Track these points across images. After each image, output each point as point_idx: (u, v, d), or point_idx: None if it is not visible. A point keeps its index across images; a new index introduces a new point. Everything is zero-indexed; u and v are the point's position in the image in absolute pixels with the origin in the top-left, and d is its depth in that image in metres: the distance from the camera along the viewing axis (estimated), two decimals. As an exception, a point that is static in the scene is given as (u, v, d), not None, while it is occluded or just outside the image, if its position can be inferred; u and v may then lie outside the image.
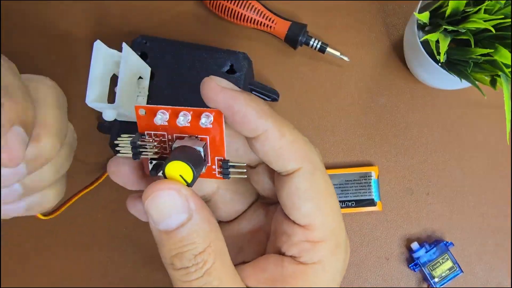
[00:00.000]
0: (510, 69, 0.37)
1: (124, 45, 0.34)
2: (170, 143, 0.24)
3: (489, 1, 0.37)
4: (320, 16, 0.48)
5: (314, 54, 0.48)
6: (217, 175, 0.24)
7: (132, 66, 0.37)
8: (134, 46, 0.41)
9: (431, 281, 0.43)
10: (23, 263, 0.46)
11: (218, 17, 0.48)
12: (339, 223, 0.23)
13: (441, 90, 0.47)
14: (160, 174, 0.22)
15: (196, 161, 0.22)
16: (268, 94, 0.44)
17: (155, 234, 0.21)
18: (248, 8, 0.45)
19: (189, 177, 0.21)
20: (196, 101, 0.41)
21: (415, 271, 0.45)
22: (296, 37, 0.45)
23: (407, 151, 0.47)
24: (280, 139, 0.21)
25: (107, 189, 0.46)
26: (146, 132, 0.23)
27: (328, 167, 0.47)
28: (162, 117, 0.23)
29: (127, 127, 0.40)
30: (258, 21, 0.46)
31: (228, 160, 0.24)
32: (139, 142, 0.23)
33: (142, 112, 0.23)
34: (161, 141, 0.24)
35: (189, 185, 0.22)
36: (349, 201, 0.45)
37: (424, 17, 0.38)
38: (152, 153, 0.23)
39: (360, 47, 0.48)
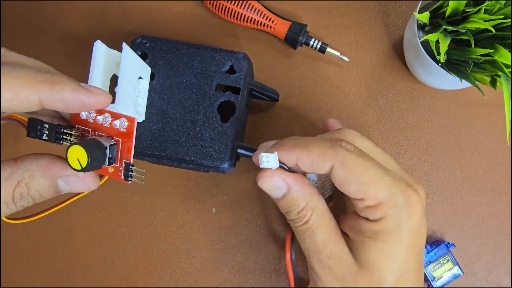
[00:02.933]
0: (510, 69, 0.37)
1: (124, 45, 0.34)
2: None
3: (489, 1, 0.37)
4: (320, 16, 0.48)
5: (314, 54, 0.48)
6: (121, 177, 0.28)
7: (132, 66, 0.37)
8: (134, 46, 0.41)
9: (432, 282, 0.43)
10: (23, 263, 0.46)
11: (218, 17, 0.48)
12: (389, 186, 0.29)
13: (441, 90, 0.47)
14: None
15: (96, 152, 0.25)
16: (268, 94, 0.44)
17: (274, 200, 0.34)
18: (248, 8, 0.45)
19: (84, 162, 0.25)
20: (196, 101, 0.41)
21: None
22: (296, 37, 0.45)
23: (407, 151, 0.47)
24: (308, 156, 0.31)
25: (106, 190, 0.46)
26: (76, 125, 0.28)
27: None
28: (88, 114, 0.27)
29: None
30: (258, 21, 0.46)
31: (131, 164, 0.27)
32: (65, 130, 0.27)
33: None
34: (83, 135, 0.28)
35: (82, 169, 0.25)
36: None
37: (424, 17, 0.38)
38: (74, 142, 0.27)
39: (360, 47, 0.48)
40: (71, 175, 0.28)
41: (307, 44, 0.46)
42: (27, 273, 0.46)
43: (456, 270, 0.44)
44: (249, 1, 0.45)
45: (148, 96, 0.40)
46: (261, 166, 0.32)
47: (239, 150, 0.38)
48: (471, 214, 0.46)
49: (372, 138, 0.47)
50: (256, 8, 0.45)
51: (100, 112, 0.27)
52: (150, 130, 0.40)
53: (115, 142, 0.27)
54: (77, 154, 0.25)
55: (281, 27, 0.46)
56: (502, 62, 0.37)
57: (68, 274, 0.46)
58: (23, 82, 0.24)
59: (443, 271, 0.44)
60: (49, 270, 0.46)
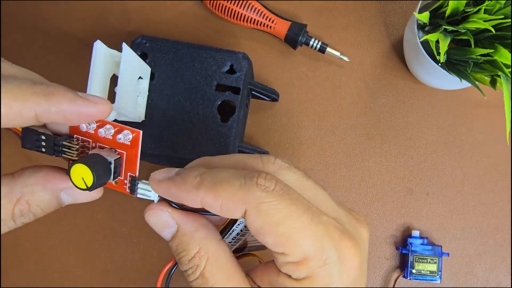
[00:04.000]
0: (510, 69, 0.37)
1: (124, 45, 0.34)
2: (93, 150, 0.26)
3: (489, 1, 0.37)
4: (320, 16, 0.48)
5: (314, 54, 0.48)
6: (126, 190, 0.26)
7: (132, 66, 0.37)
8: (134, 46, 0.41)
9: (408, 270, 0.43)
10: (23, 263, 0.46)
11: (218, 17, 0.48)
12: (318, 238, 0.23)
13: (441, 90, 0.47)
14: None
15: (101, 169, 0.24)
16: (268, 94, 0.44)
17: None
18: (248, 8, 0.45)
19: (89, 181, 0.23)
20: (196, 101, 0.41)
21: (401, 251, 0.45)
22: (296, 37, 0.45)
23: (407, 151, 0.47)
24: (216, 200, 0.23)
25: (106, 190, 0.46)
26: (75, 135, 0.26)
27: (328, 167, 0.47)
28: (88, 125, 0.26)
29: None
30: (258, 21, 0.46)
31: (137, 178, 0.26)
32: (64, 142, 0.25)
33: None
34: (84, 146, 0.26)
35: (88, 188, 0.23)
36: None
37: (424, 17, 0.38)
38: (74, 155, 0.25)
39: (360, 47, 0.48)
40: (73, 187, 0.26)
41: (307, 44, 0.46)
42: (27, 273, 0.46)
43: (436, 275, 0.44)
44: (249, 1, 0.45)
45: (148, 96, 0.40)
46: (137, 196, 0.26)
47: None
48: (471, 214, 0.46)
49: (372, 138, 0.47)
50: (256, 8, 0.45)
51: (101, 124, 0.26)
52: (150, 130, 0.40)
53: (119, 156, 0.25)
54: (81, 173, 0.23)
55: (281, 27, 0.46)
56: (502, 62, 0.37)
57: (68, 274, 0.46)
58: (16, 95, 0.22)
59: (425, 268, 0.44)
60: (49, 270, 0.46)
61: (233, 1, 0.45)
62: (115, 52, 0.36)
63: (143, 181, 0.26)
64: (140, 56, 0.41)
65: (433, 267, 0.44)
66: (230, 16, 0.46)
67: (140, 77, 0.39)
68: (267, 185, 0.23)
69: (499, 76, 0.38)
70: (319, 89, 0.47)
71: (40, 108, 0.23)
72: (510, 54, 0.36)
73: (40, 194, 0.25)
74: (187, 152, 0.39)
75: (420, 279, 0.44)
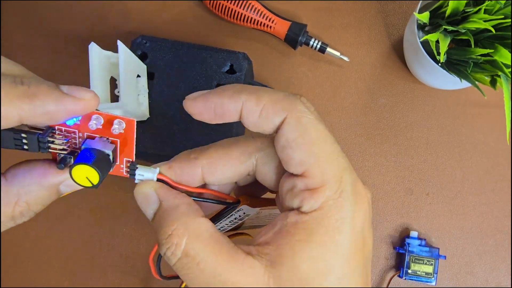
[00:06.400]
0: (510, 69, 0.37)
1: (119, 43, 0.34)
2: (80, 139, 0.25)
3: (489, 1, 0.37)
4: (320, 16, 0.48)
5: (314, 54, 0.48)
6: (124, 173, 0.26)
7: (130, 63, 0.37)
8: (134, 46, 0.41)
9: (404, 269, 0.44)
10: (23, 263, 0.46)
11: (218, 17, 0.48)
12: (341, 169, 0.23)
13: (441, 90, 0.47)
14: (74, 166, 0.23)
15: (103, 164, 0.23)
16: (268, 94, 0.44)
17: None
18: (248, 8, 0.45)
19: (95, 179, 0.23)
20: (196, 101, 0.41)
21: (398, 251, 0.45)
22: (296, 37, 0.45)
23: (407, 151, 0.47)
24: (257, 104, 0.23)
25: (106, 190, 0.46)
26: (56, 127, 0.24)
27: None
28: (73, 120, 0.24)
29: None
30: (258, 21, 0.46)
31: (136, 163, 0.25)
32: (48, 138, 0.23)
33: None
34: (71, 137, 0.25)
35: (94, 186, 0.23)
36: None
37: (424, 17, 0.38)
38: (61, 148, 0.24)
39: (360, 47, 0.48)
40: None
41: (307, 44, 0.46)
42: (27, 273, 0.46)
43: (431, 277, 0.44)
44: (249, 1, 0.45)
45: (148, 95, 0.40)
46: (136, 181, 0.25)
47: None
48: (471, 214, 0.46)
49: (372, 138, 0.47)
50: (256, 8, 0.45)
51: (88, 115, 0.24)
52: (150, 130, 0.40)
53: (114, 145, 0.25)
54: (84, 173, 0.23)
55: (281, 27, 0.46)
56: (502, 62, 0.37)
57: (68, 274, 0.46)
58: None
59: (420, 269, 0.44)
60: (49, 270, 0.46)
61: (233, 1, 0.45)
62: (109, 53, 0.36)
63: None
64: (140, 56, 0.41)
65: (429, 269, 0.44)
66: (230, 16, 0.46)
67: (138, 75, 0.39)
68: (308, 105, 0.23)
69: (499, 76, 0.38)
70: (319, 89, 0.47)
71: (24, 112, 0.21)
72: (510, 54, 0.36)
73: (38, 193, 0.24)
74: (187, 152, 0.39)
75: (415, 280, 0.44)
